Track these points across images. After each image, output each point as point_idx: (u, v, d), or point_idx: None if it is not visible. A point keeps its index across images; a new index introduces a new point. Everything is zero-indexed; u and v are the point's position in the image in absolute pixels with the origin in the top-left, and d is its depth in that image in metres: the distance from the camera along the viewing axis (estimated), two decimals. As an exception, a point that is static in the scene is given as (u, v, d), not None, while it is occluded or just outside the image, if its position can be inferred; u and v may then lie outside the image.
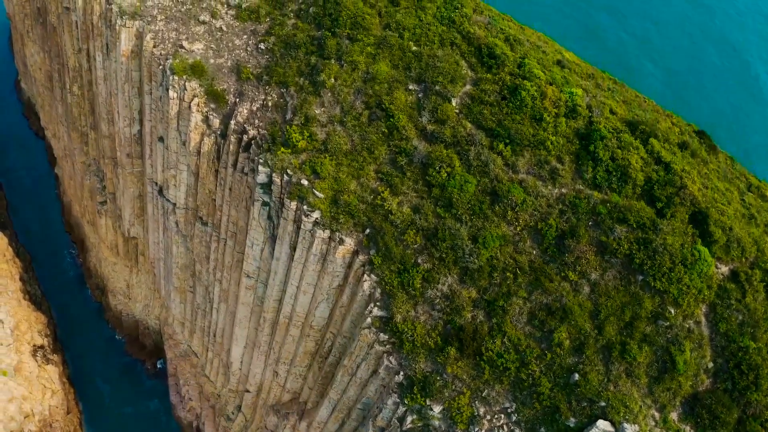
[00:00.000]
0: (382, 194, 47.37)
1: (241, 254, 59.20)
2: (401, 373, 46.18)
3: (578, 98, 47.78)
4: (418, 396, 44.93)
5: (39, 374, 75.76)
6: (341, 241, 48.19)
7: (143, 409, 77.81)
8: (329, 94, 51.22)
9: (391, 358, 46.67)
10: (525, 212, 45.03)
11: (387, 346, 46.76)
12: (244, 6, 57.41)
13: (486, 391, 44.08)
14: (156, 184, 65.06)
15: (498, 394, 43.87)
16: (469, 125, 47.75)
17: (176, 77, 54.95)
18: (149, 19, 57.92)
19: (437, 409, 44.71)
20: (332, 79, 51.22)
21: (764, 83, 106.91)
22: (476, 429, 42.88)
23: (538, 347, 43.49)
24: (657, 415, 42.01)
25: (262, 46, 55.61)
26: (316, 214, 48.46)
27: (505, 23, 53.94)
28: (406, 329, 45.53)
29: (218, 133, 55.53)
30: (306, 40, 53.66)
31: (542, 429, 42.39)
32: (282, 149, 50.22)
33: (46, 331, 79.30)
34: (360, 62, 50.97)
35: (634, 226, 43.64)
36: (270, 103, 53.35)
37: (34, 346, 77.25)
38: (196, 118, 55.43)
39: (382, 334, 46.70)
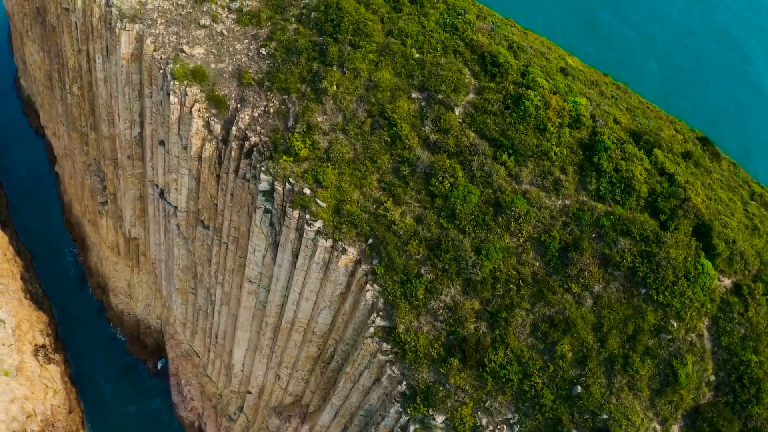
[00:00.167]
0: (384, 204, 47.28)
1: (243, 258, 59.16)
2: (404, 382, 46.35)
3: (582, 107, 47.57)
4: (421, 406, 45.13)
5: (41, 374, 75.95)
6: (344, 251, 48.16)
7: (145, 408, 78.14)
8: (331, 102, 50.95)
9: (393, 367, 46.82)
10: (528, 224, 44.98)
11: (390, 356, 46.90)
12: (244, 10, 56.95)
13: (489, 401, 44.27)
14: (157, 186, 64.89)
15: (501, 405, 44.06)
16: (472, 135, 47.57)
17: (177, 82, 54.63)
18: (149, 23, 57.48)
19: (440, 419, 44.92)
20: (334, 87, 50.93)
21: (765, 78, 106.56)
22: (479, 440, 43.15)
23: (541, 359, 43.63)
24: (659, 428, 42.27)
25: (263, 51, 55.24)
26: (318, 224, 48.38)
27: (508, 29, 53.59)
28: (408, 339, 45.65)
29: (219, 138, 55.30)
30: (308, 45, 53.29)
31: (544, 440, 42.67)
32: (284, 157, 50.03)
33: (48, 331, 79.42)
34: (362, 69, 50.66)
35: (638, 238, 43.63)
36: (271, 110, 53.09)
37: (36, 345, 77.40)
38: (198, 123, 55.17)
39: (384, 344, 46.81)
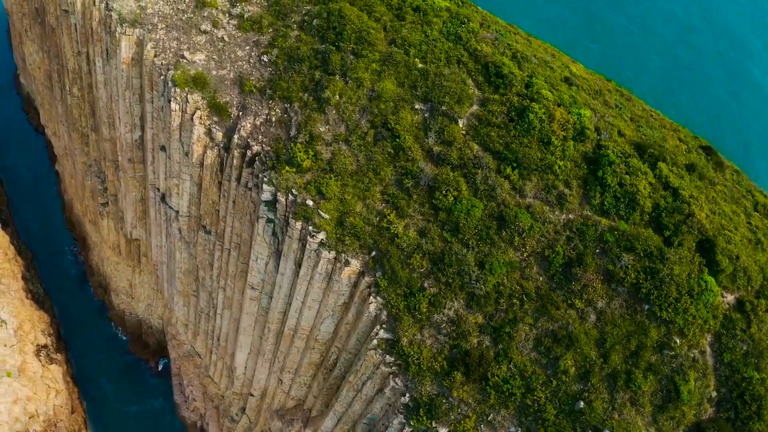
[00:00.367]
0: (388, 217, 47.19)
1: (245, 265, 59.14)
2: (407, 394, 46.58)
3: (586, 120, 47.36)
4: (424, 418, 45.39)
5: (43, 374, 76.20)
6: (347, 263, 48.14)
7: (147, 408, 78.51)
8: (334, 112, 50.66)
9: (397, 379, 47.00)
10: (532, 238, 44.95)
11: (393, 368, 47.08)
12: (246, 16, 56.43)
13: (492, 415, 44.51)
14: (158, 190, 64.69)
15: (503, 419, 44.31)
16: (476, 147, 47.38)
17: (178, 89, 54.26)
18: (149, 27, 56.97)
19: (443, 431, 45.18)
20: (337, 96, 50.61)
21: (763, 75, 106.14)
22: (482, 454, 43.42)
23: (544, 374, 43.81)
24: (660, 443, 42.59)
25: (264, 58, 54.81)
26: (321, 235, 48.31)
27: (511, 37, 53.17)
28: (412, 352, 45.80)
29: (221, 146, 55.03)
30: (310, 53, 52.87)
31: (547, 455, 42.94)
32: (287, 168, 49.84)
33: (49, 330, 79.55)
34: (365, 79, 50.31)
35: (642, 254, 43.64)
36: (273, 118, 52.79)
37: (38, 345, 77.58)
38: (199, 130, 54.87)
39: (388, 356, 46.97)
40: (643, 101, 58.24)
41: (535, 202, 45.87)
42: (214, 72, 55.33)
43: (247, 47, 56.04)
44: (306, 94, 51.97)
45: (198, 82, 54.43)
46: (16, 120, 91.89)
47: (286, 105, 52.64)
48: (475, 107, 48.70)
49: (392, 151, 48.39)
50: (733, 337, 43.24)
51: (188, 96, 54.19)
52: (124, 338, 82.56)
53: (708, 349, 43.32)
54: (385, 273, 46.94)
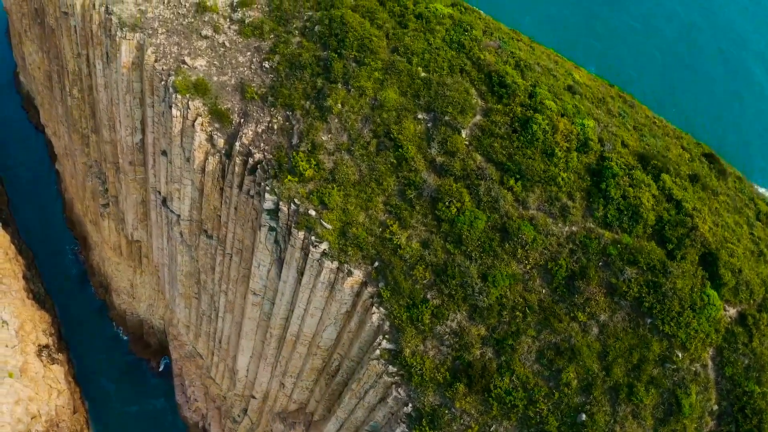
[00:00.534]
0: (390, 228, 47.15)
1: (247, 270, 59.14)
2: (410, 404, 46.77)
3: (590, 130, 47.22)
4: (427, 428, 45.62)
5: (45, 374, 76.39)
6: (350, 273, 48.15)
7: (149, 408, 78.80)
8: (336, 121, 50.46)
9: (399, 389, 47.17)
10: (535, 251, 44.97)
11: (396, 378, 47.23)
12: (247, 21, 56.03)
13: (494, 426, 44.74)
14: (159, 193, 64.52)
15: (506, 430, 44.54)
16: (479, 158, 47.26)
17: (179, 95, 53.99)
18: (150, 32, 56.58)
19: (445, 441, 45.44)
20: (339, 105, 50.39)
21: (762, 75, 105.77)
22: (484, 466, 43.68)
23: (546, 386, 43.99)
24: (662, 456, 42.88)
25: (266, 64, 54.50)
26: (324, 246, 48.28)
27: (514, 44, 52.87)
28: (414, 363, 45.94)
29: (223, 152, 54.83)
30: (312, 60, 52.56)
31: (549, 466, 43.22)
32: (289, 177, 49.71)
33: (51, 330, 79.65)
34: (368, 88, 50.07)
35: (645, 268, 43.68)
36: (275, 126, 52.59)
37: (39, 345, 77.69)
38: (200, 137, 54.67)
39: (390, 367, 47.10)
40: (646, 106, 58.12)
41: (538, 214, 45.83)
42: (215, 78, 55.03)
43: (249, 53, 55.70)
44: (308, 102, 51.74)
45: (199, 89, 54.16)
46: (15, 118, 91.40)
47: (288, 113, 52.42)
48: (478, 117, 48.52)
49: (395, 161, 48.27)
50: (734, 351, 43.42)
51: (189, 102, 53.94)
52: (125, 338, 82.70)
53: (710, 363, 43.51)
54: (387, 284, 46.97)
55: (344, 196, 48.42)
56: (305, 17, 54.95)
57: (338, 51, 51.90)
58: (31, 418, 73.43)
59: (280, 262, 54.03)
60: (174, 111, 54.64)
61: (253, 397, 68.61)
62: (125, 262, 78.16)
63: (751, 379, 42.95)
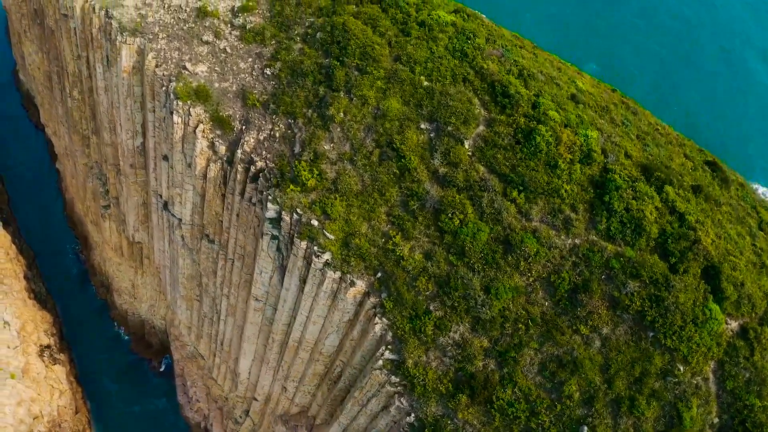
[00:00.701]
0: (393, 239, 47.16)
1: (249, 275, 59.17)
2: (412, 414, 47.04)
3: (593, 142, 47.12)
4: (429, 438, 45.87)
5: (47, 375, 76.59)
6: (352, 283, 48.22)
7: (151, 408, 79.10)
8: (338, 130, 50.28)
9: (402, 399, 47.43)
10: (538, 263, 45.02)
11: (398, 388, 47.45)
12: (248, 27, 55.65)
13: (496, 437, 45.02)
14: (160, 197, 64.40)
15: (508, 441, 44.82)
16: (482, 169, 47.17)
17: (180, 102, 53.75)
18: (150, 37, 56.21)
19: (447, 451, 45.72)
20: (341, 114, 50.20)
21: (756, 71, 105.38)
22: (486, 477, 44.00)
23: (548, 398, 44.24)
24: (663, 468, 43.21)
25: (267, 71, 54.19)
26: (326, 256, 48.30)
27: (518, 52, 52.57)
28: (417, 374, 46.15)
29: (224, 159, 54.68)
30: (313, 68, 52.28)
31: (551, 478, 43.56)
32: (291, 186, 49.62)
33: (52, 330, 79.75)
34: (370, 97, 49.84)
35: (647, 281, 43.77)
36: (277, 134, 52.40)
37: (41, 346, 77.83)
38: (202, 144, 54.48)
39: (393, 377, 47.31)
40: (649, 112, 57.96)
41: (541, 226, 45.84)
42: (216, 84, 54.76)
43: (250, 59, 55.38)
44: (310, 111, 51.52)
45: (200, 95, 53.92)
46: (15, 117, 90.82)
47: (290, 121, 52.22)
48: (481, 128, 48.36)
49: (398, 171, 48.18)
50: (736, 364, 43.65)
51: (191, 109, 53.71)
52: (127, 338, 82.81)
53: (711, 376, 43.75)
54: (390, 295, 47.06)
55: (347, 206, 48.37)
56: (307, 23, 54.58)
57: (340, 59, 51.60)
58: (34, 419, 73.71)
59: (282, 269, 54.07)
60: (175, 117, 54.41)
61: (255, 399, 68.90)
62: (126, 263, 78.14)
63: (752, 392, 43.23)
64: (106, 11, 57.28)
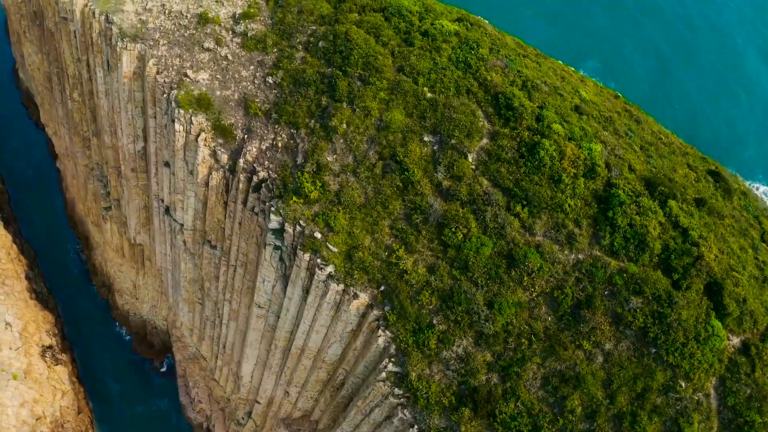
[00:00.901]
0: (396, 252, 47.17)
1: (251, 282, 59.24)
2: (415, 426, 47.34)
3: (597, 155, 46.99)
4: (432, 450, 46.20)
5: (49, 375, 76.87)
6: (355, 296, 48.29)
7: (154, 408, 79.45)
8: (341, 141, 50.10)
9: (405, 411, 47.70)
10: (541, 278, 45.10)
11: (401, 400, 47.71)
12: (249, 34, 55.23)
13: (498, 450, 45.33)
14: (162, 201, 64.27)
15: (510, 454, 45.15)
16: (485, 183, 47.09)
17: (182, 110, 53.49)
18: (151, 43, 55.82)
19: (450, 463, 46.09)
20: (344, 125, 49.98)
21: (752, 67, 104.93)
22: (489, 490, 44.39)
23: (551, 412, 44.52)
24: (664, 483, 43.60)
25: (270, 79, 53.87)
26: (329, 268, 48.33)
27: (521, 61, 52.24)
28: (420, 387, 46.39)
29: (227, 168, 54.51)
30: (316, 77, 51.96)
31: (552, 491, 43.95)
32: (294, 198, 49.52)
33: (54, 330, 79.91)
34: (373, 108, 49.61)
35: (650, 298, 43.90)
36: (280, 144, 52.21)
37: (43, 346, 78.02)
38: (204, 152, 54.29)
39: (396, 389, 47.55)
40: (653, 119, 57.79)
41: (544, 241, 45.86)
42: (218, 92, 54.45)
43: (252, 67, 55.02)
44: (312, 121, 51.30)
45: (202, 103, 53.64)
46: (15, 115, 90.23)
47: (292, 130, 52.00)
48: (485, 141, 48.20)
49: (401, 184, 48.08)
50: (737, 381, 43.92)
51: (192, 117, 53.44)
52: (129, 338, 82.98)
53: (712, 393, 44.03)
54: (393, 308, 47.17)
55: (350, 219, 48.32)
56: (309, 31, 54.16)
57: (343, 68, 51.28)
58: (36, 420, 74.10)
59: (285, 278, 54.11)
60: (177, 126, 54.16)
61: (258, 402, 69.27)
62: (128, 264, 78.14)
63: (753, 408, 43.53)
64: (106, 16, 56.82)
